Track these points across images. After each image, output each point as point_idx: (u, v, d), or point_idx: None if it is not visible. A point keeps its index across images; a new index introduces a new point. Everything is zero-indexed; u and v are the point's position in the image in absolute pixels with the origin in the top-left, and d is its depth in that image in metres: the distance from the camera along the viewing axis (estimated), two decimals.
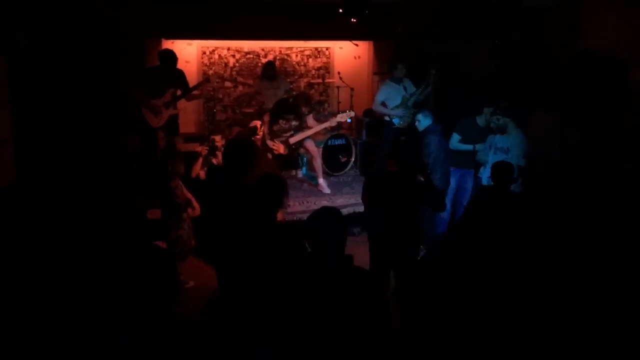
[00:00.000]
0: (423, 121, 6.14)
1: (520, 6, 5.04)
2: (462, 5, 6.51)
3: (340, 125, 9.00)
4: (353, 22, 5.45)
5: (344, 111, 7.29)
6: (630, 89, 5.87)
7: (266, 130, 6.71)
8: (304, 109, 6.85)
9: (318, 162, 7.22)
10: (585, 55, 6.35)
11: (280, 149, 6.62)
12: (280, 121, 6.67)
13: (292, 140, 6.70)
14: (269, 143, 6.61)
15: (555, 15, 6.89)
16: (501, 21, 5.18)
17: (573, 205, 4.81)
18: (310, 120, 7.00)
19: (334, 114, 8.91)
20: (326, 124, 7.02)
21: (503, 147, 6.05)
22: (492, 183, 5.20)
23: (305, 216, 6.60)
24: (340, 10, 5.31)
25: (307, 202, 6.74)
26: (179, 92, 6.81)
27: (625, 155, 5.53)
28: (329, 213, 2.90)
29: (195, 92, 7.00)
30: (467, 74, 7.89)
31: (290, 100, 6.95)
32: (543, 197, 4.99)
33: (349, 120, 7.40)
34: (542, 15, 6.81)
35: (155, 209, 5.63)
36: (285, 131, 6.68)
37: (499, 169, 4.86)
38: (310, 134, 6.95)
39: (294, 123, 6.74)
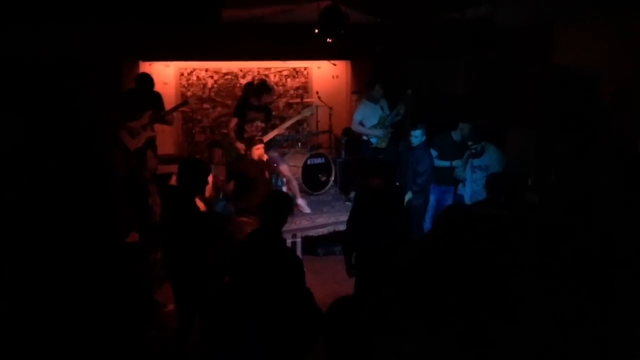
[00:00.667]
0: (421, 137, 6.08)
1: (492, 26, 5.14)
2: (437, 26, 6.61)
3: (319, 144, 9.09)
4: (329, 42, 5.50)
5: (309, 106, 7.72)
6: (601, 104, 6.00)
7: (233, 135, 6.78)
8: (267, 98, 6.95)
9: (294, 184, 7.25)
10: (557, 72, 6.48)
11: (242, 149, 6.70)
12: (246, 126, 6.80)
13: (264, 139, 6.80)
14: (238, 145, 6.70)
15: (528, 34, 7.04)
16: (475, 41, 5.27)
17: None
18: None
19: (313, 133, 9.03)
20: (293, 120, 7.31)
21: (481, 165, 6.11)
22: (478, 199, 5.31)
23: (286, 236, 6.62)
24: (316, 31, 5.35)
25: (287, 222, 6.70)
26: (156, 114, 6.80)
27: (598, 169, 5.63)
28: None
29: (171, 115, 6.99)
30: (443, 92, 8.00)
31: (255, 103, 6.90)
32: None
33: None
34: (515, 33, 6.96)
35: (133, 232, 5.57)
36: (255, 133, 6.79)
37: (491, 180, 4.76)
38: (280, 132, 7.12)
39: (259, 124, 6.87)
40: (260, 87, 6.97)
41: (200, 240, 4.19)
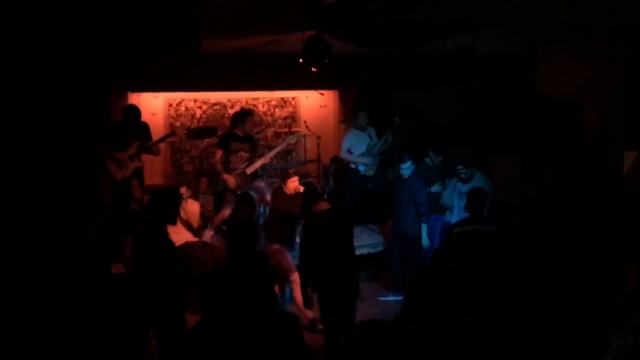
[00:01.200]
0: (411, 167, 6.14)
1: (473, 56, 5.25)
2: (420, 56, 6.73)
3: (307, 173, 9.11)
4: (314, 71, 5.58)
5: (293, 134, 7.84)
6: (583, 131, 6.10)
7: (220, 167, 6.81)
8: (249, 124, 7.09)
9: None
10: (540, 100, 6.60)
11: (231, 181, 6.73)
12: (231, 157, 6.86)
13: (249, 170, 6.83)
14: (225, 177, 6.73)
15: (512, 63, 7.19)
16: (456, 71, 5.38)
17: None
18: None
19: (302, 162, 9.05)
20: (277, 149, 7.34)
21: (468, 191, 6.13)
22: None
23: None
24: (301, 60, 5.43)
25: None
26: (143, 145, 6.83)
27: (581, 193, 5.70)
28: None
29: (157, 145, 7.03)
30: (430, 121, 8.10)
31: (239, 133, 6.98)
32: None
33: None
34: (498, 62, 7.09)
35: (118, 263, 5.53)
36: (240, 164, 6.82)
37: (473, 195, 4.99)
38: (266, 161, 7.15)
39: (243, 154, 6.92)
40: (240, 114, 7.08)
41: (171, 273, 4.15)
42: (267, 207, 7.22)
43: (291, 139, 7.54)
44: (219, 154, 6.92)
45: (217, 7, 3.84)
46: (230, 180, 6.78)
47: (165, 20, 3.09)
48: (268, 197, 7.03)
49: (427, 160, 6.63)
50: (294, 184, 6.36)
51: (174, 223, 4.47)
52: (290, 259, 6.01)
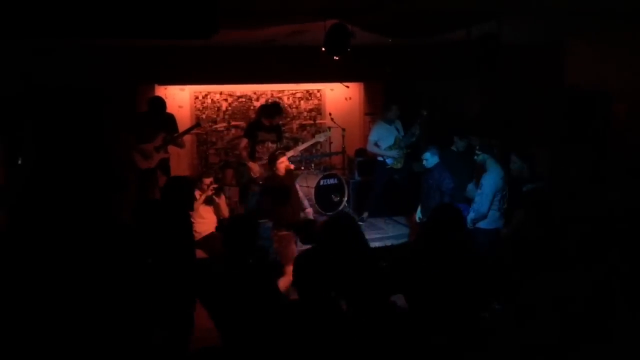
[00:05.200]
0: (431, 159, 6.09)
1: (497, 44, 5.14)
2: (444, 45, 6.64)
3: (332, 165, 9.10)
4: (336, 60, 5.55)
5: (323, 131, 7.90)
6: (613, 121, 5.95)
7: (245, 155, 6.85)
8: (278, 119, 7.19)
9: (306, 204, 7.17)
10: (570, 91, 6.46)
11: (255, 169, 6.75)
12: (257, 147, 6.93)
13: None
14: (250, 164, 6.76)
15: (540, 53, 7.05)
16: (480, 60, 5.28)
17: None
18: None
19: (327, 154, 9.05)
20: (305, 145, 7.38)
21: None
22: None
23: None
24: (323, 49, 5.41)
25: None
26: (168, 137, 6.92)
27: (612, 185, 5.57)
28: None
29: (185, 136, 7.10)
30: (456, 113, 8.00)
31: (266, 123, 7.05)
32: None
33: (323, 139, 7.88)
34: (526, 52, 6.96)
35: None
36: (266, 154, 6.83)
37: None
38: (294, 154, 7.16)
39: (270, 144, 6.96)
40: (272, 108, 7.08)
41: (186, 258, 4.19)
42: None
43: (320, 137, 7.45)
44: (244, 142, 7.01)
45: None
46: (255, 168, 6.82)
47: (181, 3, 3.09)
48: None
49: (453, 148, 6.54)
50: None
51: (190, 208, 4.55)
52: (295, 247, 5.76)
